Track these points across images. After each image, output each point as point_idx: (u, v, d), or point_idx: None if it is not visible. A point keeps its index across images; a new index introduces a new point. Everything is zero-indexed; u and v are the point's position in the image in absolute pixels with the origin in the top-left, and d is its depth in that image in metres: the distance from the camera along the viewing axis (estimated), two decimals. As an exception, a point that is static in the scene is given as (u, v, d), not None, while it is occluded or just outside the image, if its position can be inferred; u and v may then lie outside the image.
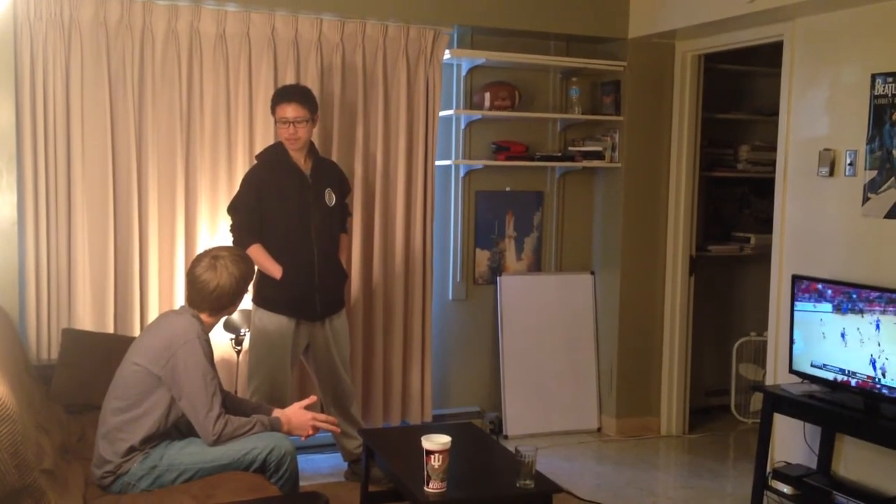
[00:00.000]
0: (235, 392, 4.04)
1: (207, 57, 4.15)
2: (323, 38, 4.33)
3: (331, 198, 3.93)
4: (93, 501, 2.80)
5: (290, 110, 3.80)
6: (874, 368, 3.47)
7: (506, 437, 4.91)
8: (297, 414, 3.13)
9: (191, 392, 2.89)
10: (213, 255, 3.07)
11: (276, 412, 3.14)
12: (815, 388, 3.78)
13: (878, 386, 3.44)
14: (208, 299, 3.01)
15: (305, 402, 3.20)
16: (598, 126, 5.13)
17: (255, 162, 3.96)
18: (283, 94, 3.87)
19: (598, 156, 5.01)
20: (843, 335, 3.61)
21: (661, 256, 5.10)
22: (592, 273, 5.25)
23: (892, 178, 3.65)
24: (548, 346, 5.10)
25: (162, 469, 2.91)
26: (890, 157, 3.66)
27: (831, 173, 3.94)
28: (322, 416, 3.19)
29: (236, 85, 4.20)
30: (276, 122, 3.88)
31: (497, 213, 5.06)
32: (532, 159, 4.95)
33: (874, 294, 3.49)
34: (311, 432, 3.13)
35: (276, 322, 3.83)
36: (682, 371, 5.12)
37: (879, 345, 3.45)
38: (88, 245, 3.98)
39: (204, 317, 3.04)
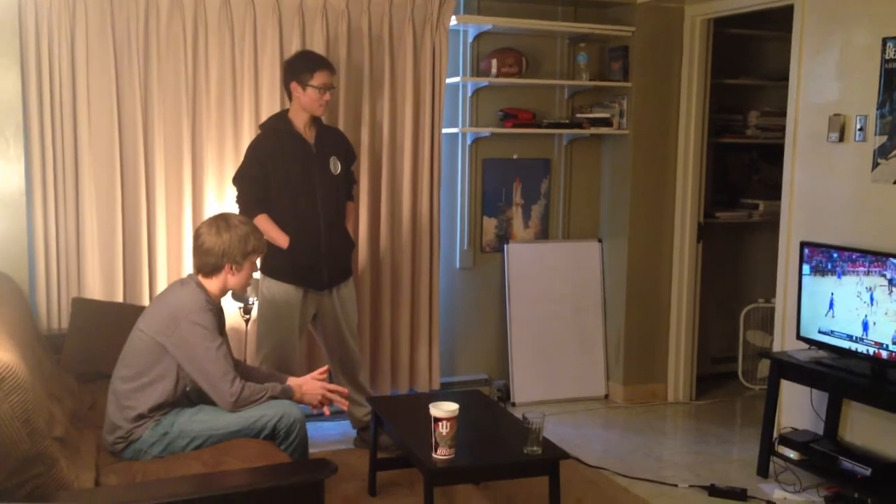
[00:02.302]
0: (244, 361, 4.07)
1: (212, 25, 4.12)
2: (328, 4, 4.29)
3: (336, 166, 3.91)
4: (105, 468, 2.83)
5: (327, 77, 3.76)
6: (865, 331, 3.50)
7: (513, 405, 4.94)
8: (309, 383, 3.15)
9: (201, 361, 2.92)
10: (222, 216, 3.11)
11: (290, 380, 3.16)
12: (822, 354, 3.78)
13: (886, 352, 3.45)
14: (197, 254, 3.05)
15: (317, 372, 3.22)
16: (605, 92, 5.09)
17: (259, 131, 3.94)
18: (321, 61, 3.81)
19: (606, 122, 4.98)
20: (833, 300, 3.65)
21: (668, 223, 5.09)
22: (600, 240, 5.24)
23: (903, 144, 3.62)
24: (555, 314, 5.11)
25: (173, 436, 2.95)
26: (900, 122, 3.63)
27: (841, 139, 3.91)
28: (332, 387, 3.20)
29: (241, 53, 4.17)
30: (304, 89, 3.76)
31: (504, 181, 5.05)
32: (539, 126, 4.92)
33: (857, 255, 3.51)
34: (321, 401, 3.14)
35: (283, 291, 3.84)
36: (690, 338, 5.13)
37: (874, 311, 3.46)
38: (97, 214, 3.99)
39: (205, 282, 3.05)
